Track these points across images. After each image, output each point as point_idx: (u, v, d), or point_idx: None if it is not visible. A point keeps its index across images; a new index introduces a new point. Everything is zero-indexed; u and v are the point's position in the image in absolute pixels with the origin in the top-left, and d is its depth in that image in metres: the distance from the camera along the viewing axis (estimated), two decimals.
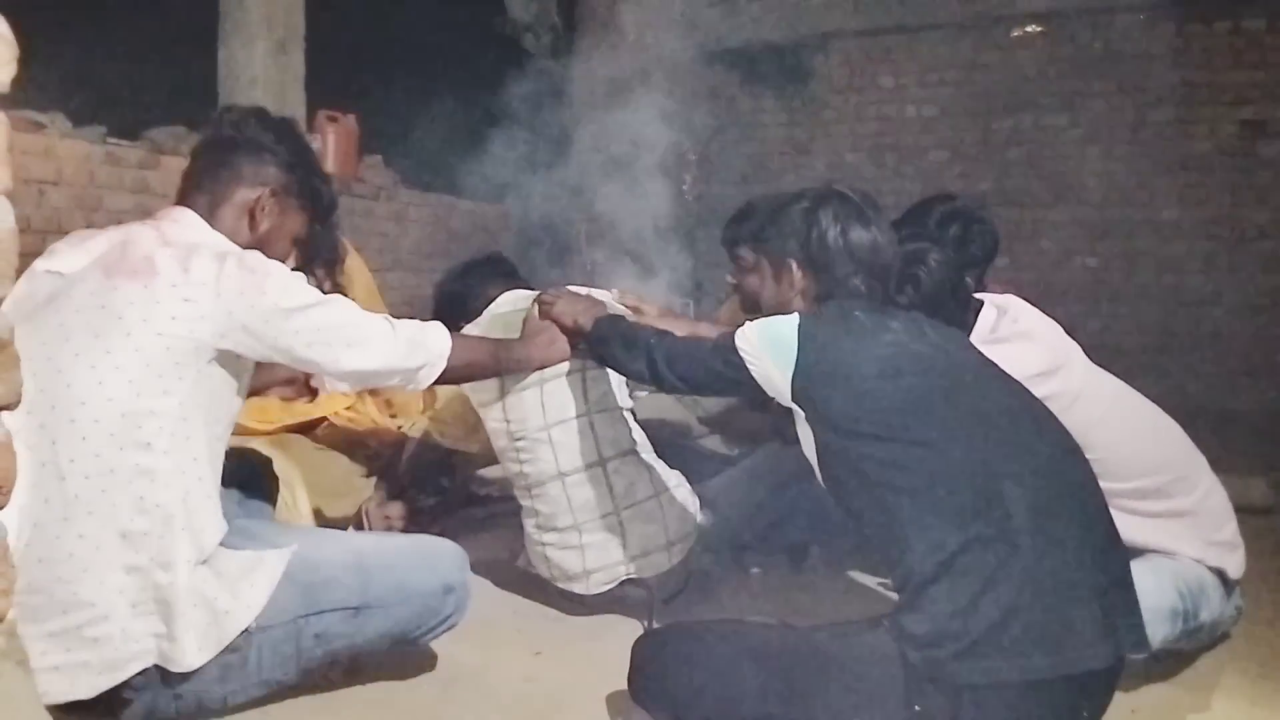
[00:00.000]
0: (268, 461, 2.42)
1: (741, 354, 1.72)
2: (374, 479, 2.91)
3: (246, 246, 1.78)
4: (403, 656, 1.92)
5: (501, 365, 2.11)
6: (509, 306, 2.34)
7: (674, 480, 2.31)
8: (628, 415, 2.31)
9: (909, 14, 7.02)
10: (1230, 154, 6.36)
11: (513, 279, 2.51)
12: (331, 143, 5.21)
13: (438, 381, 1.92)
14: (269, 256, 1.78)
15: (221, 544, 1.68)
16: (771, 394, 1.70)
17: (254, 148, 1.85)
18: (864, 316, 1.69)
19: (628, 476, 2.22)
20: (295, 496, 2.62)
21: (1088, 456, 1.74)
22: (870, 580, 2.56)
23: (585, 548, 2.21)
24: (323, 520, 2.65)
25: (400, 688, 1.86)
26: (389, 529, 2.76)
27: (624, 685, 1.69)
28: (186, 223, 1.77)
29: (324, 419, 2.94)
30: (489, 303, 2.38)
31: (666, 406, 3.15)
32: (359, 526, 2.77)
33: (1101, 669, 1.43)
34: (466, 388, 2.30)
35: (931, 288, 1.97)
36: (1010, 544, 1.43)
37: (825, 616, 2.10)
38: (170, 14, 5.31)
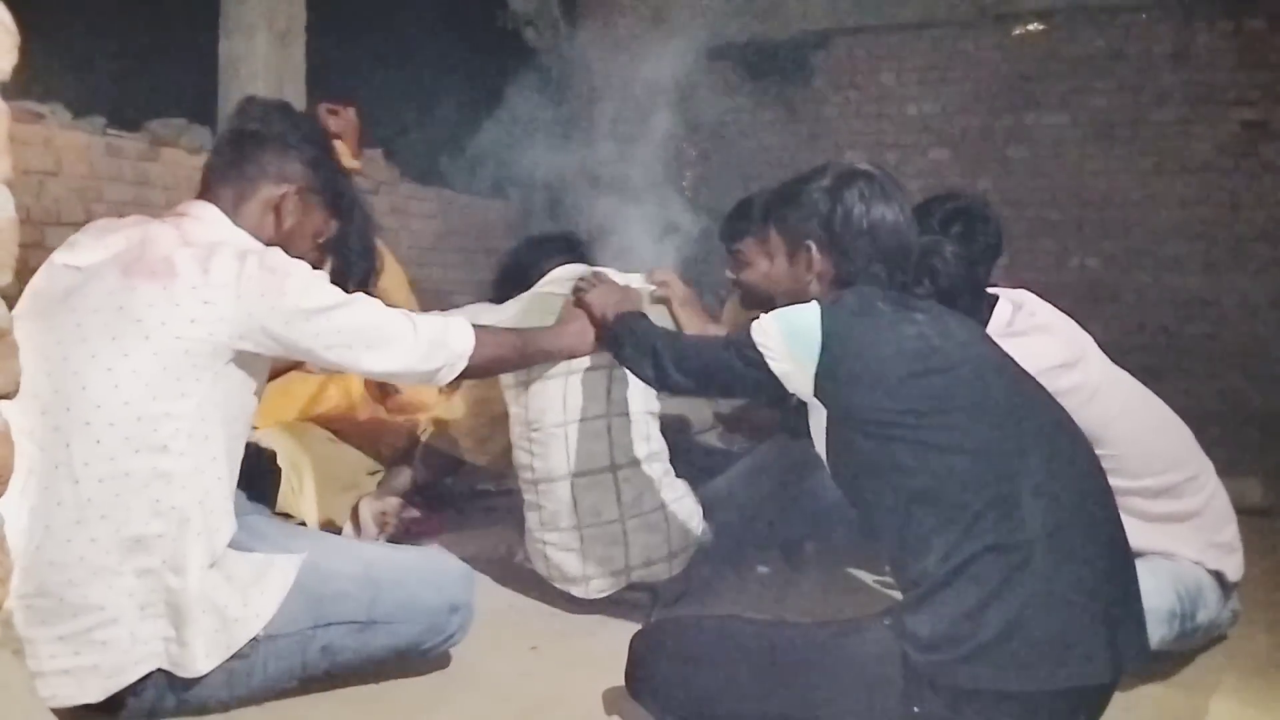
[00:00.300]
0: (272, 455, 2.42)
1: (760, 348, 1.63)
2: (378, 475, 2.92)
3: (269, 243, 1.76)
4: None
5: (527, 358, 2.09)
6: (550, 286, 2.31)
7: (680, 490, 2.28)
8: (649, 419, 2.26)
9: (910, 11, 7.02)
10: (1231, 155, 6.36)
11: (576, 257, 2.44)
12: (332, 135, 5.20)
13: (460, 377, 1.90)
14: (291, 254, 1.76)
15: (230, 544, 1.68)
16: (791, 390, 1.63)
17: (280, 143, 1.83)
18: (888, 307, 1.61)
19: (637, 486, 2.19)
20: (303, 484, 2.63)
21: (1102, 453, 1.74)
22: (866, 577, 2.56)
23: (586, 552, 2.20)
24: (325, 509, 2.66)
25: (396, 681, 1.86)
26: (383, 524, 2.76)
27: (621, 681, 1.69)
28: (208, 219, 1.75)
29: (340, 409, 2.94)
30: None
31: (669, 403, 3.15)
32: (353, 520, 2.78)
33: (1104, 682, 1.43)
34: None
35: (947, 280, 1.91)
36: (1023, 554, 1.40)
37: (821, 613, 2.10)
38: (171, 5, 5.30)
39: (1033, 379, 1.64)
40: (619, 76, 5.39)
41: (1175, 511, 1.98)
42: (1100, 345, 2.09)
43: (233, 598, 1.62)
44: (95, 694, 1.56)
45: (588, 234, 3.44)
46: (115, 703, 1.60)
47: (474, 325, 1.91)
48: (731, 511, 2.36)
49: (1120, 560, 1.51)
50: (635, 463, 2.20)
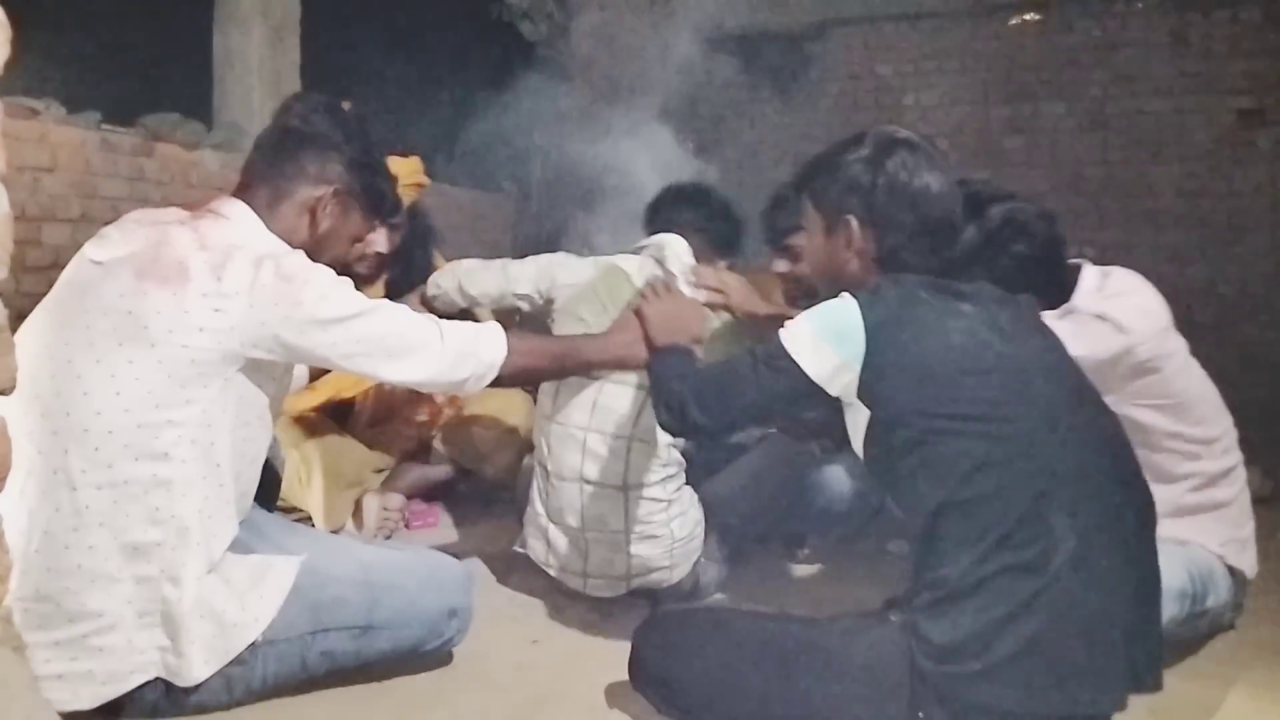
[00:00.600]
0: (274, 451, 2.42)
1: (794, 355, 1.51)
2: (384, 473, 2.92)
3: (304, 245, 1.72)
4: None
5: (566, 369, 2.01)
6: (617, 276, 2.23)
7: (687, 503, 2.23)
8: (671, 449, 2.17)
9: (906, 2, 7.00)
10: (1228, 144, 6.36)
11: (696, 230, 2.31)
12: None
13: (491, 385, 1.84)
14: (327, 257, 1.73)
15: (230, 544, 1.67)
16: (833, 393, 1.52)
17: (321, 143, 1.79)
18: (931, 296, 1.49)
19: (648, 507, 2.15)
20: (311, 477, 2.63)
21: (1183, 429, 1.78)
22: (863, 573, 2.56)
23: (589, 554, 2.18)
24: (330, 504, 2.66)
25: (397, 675, 1.86)
26: (385, 519, 2.77)
27: (621, 675, 1.69)
28: (236, 218, 1.70)
29: (354, 400, 2.94)
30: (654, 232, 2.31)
31: None
32: (355, 517, 2.78)
33: (1110, 712, 1.41)
34: None
35: (1032, 242, 1.87)
36: (1048, 577, 1.36)
37: (819, 609, 2.10)
38: (166, 0, 5.28)
39: (1084, 380, 1.55)
40: (615, 69, 5.38)
41: (1213, 500, 1.99)
42: None
43: (230, 602, 1.61)
44: (89, 700, 1.54)
45: (605, 225, 3.40)
46: (114, 704, 1.59)
47: (509, 333, 1.83)
48: (733, 508, 2.34)
49: (1146, 589, 1.46)
50: (649, 485, 2.15)
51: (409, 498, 2.92)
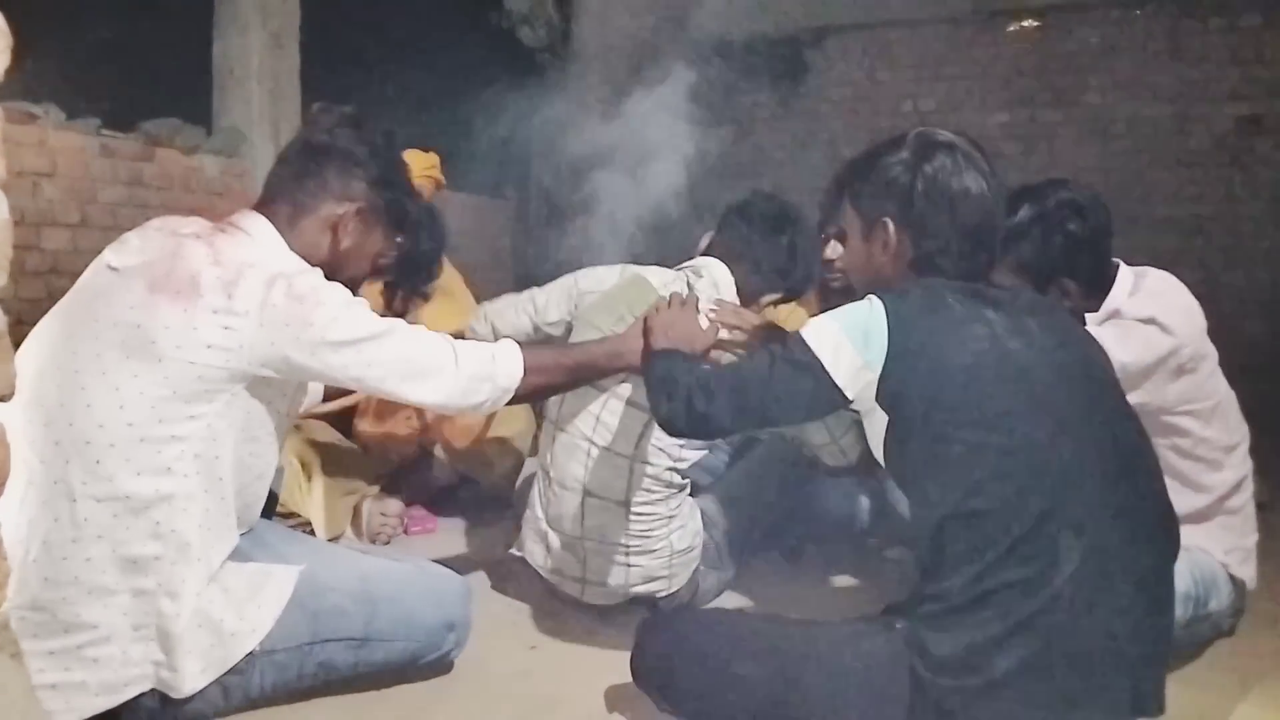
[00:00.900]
0: None
1: (816, 353, 1.48)
2: (382, 479, 2.92)
3: (323, 262, 1.71)
4: None
5: (579, 380, 1.98)
6: (641, 287, 2.20)
7: (686, 515, 2.21)
8: (674, 474, 2.14)
9: (906, 8, 7.02)
10: (1226, 150, 6.37)
11: (752, 261, 2.23)
12: None
13: (508, 404, 1.83)
14: (347, 274, 1.72)
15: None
16: (851, 395, 1.48)
17: (346, 160, 1.75)
18: (958, 302, 1.46)
19: (648, 523, 2.14)
20: (310, 482, 2.64)
21: (1210, 434, 1.78)
22: (862, 580, 2.56)
23: (588, 562, 2.17)
24: (329, 511, 2.66)
25: (395, 683, 1.85)
26: (383, 525, 2.76)
27: (620, 680, 1.69)
28: (256, 234, 1.68)
29: (355, 407, 2.94)
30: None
31: None
32: (354, 524, 2.78)
33: None
34: None
35: (1091, 230, 1.90)
36: (1052, 594, 1.33)
37: (819, 616, 2.10)
38: (165, 5, 5.28)
39: (1113, 391, 1.51)
40: (614, 75, 5.39)
41: (1224, 509, 1.99)
42: None
43: (229, 612, 1.61)
44: (82, 711, 1.53)
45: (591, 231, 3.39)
46: (111, 713, 1.58)
47: (525, 351, 1.81)
48: (732, 513, 2.34)
49: (1156, 606, 1.43)
50: (650, 502, 2.14)
51: (408, 504, 2.92)
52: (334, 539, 2.66)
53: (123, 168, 4.35)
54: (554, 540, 2.21)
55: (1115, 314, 1.94)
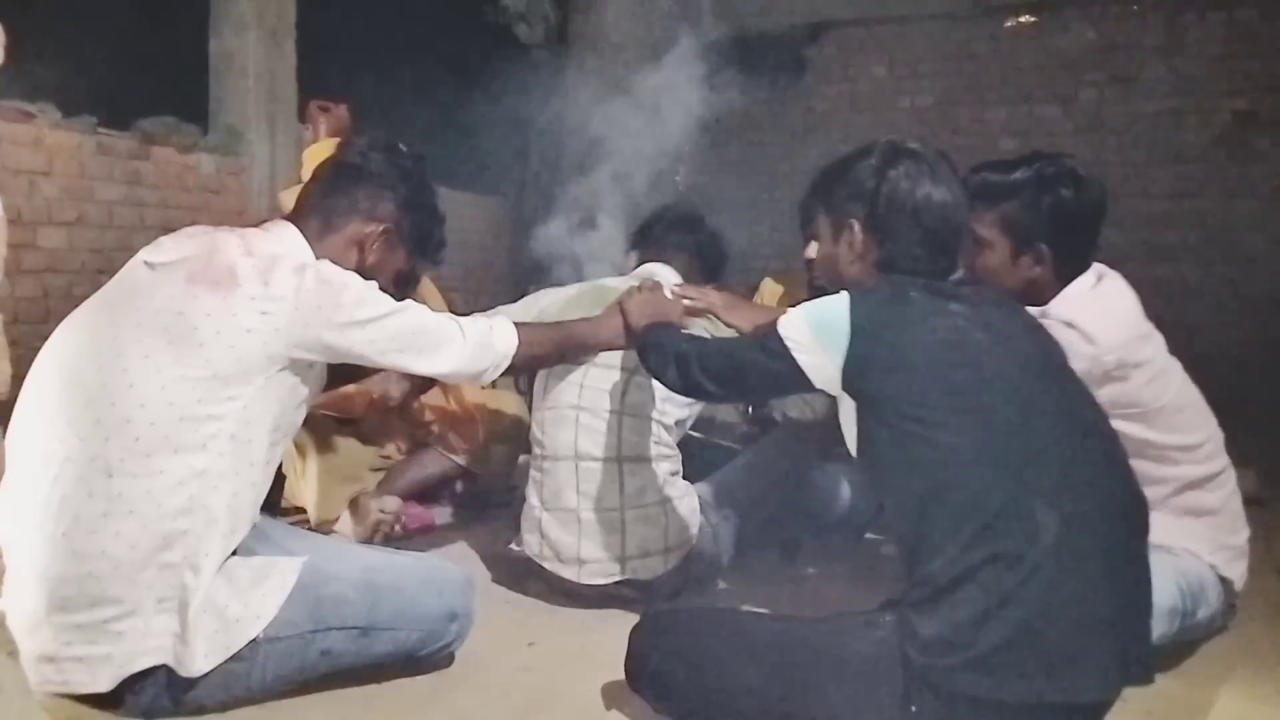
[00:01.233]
0: None
1: (786, 342, 1.60)
2: (381, 473, 2.92)
3: None
4: None
5: (566, 354, 2.18)
6: (602, 290, 2.38)
7: (682, 490, 2.29)
8: (662, 428, 2.26)
9: (902, 3, 7.02)
10: (1223, 145, 6.38)
11: (685, 255, 2.53)
12: (323, 133, 5.19)
13: (504, 374, 1.98)
14: None
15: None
16: (819, 384, 1.60)
17: (376, 183, 1.87)
18: (921, 296, 1.55)
19: (641, 479, 2.21)
20: (305, 469, 2.65)
21: (1154, 436, 1.79)
22: (861, 576, 2.56)
23: (584, 535, 2.21)
24: (324, 498, 2.68)
25: (394, 678, 1.86)
26: (381, 521, 2.76)
27: (618, 676, 1.69)
28: (286, 239, 1.79)
29: (356, 399, 2.94)
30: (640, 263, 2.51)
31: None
32: (351, 511, 2.78)
33: (1102, 701, 1.42)
34: None
35: (1080, 204, 1.92)
36: (1032, 566, 1.37)
37: (819, 609, 2.10)
38: (162, 2, 5.27)
39: (1073, 377, 1.59)
40: (610, 72, 5.38)
41: (1198, 506, 1.97)
42: None
43: (233, 599, 1.64)
44: (106, 683, 1.57)
45: (586, 228, 3.41)
46: (114, 698, 1.61)
47: (516, 324, 1.97)
48: (730, 508, 2.36)
49: (1133, 572, 1.47)
50: (641, 459, 2.23)
51: (406, 500, 2.92)
52: (328, 524, 2.68)
53: (119, 166, 4.35)
54: (549, 522, 2.25)
55: (1044, 315, 1.93)
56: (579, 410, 2.24)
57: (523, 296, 2.60)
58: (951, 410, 1.45)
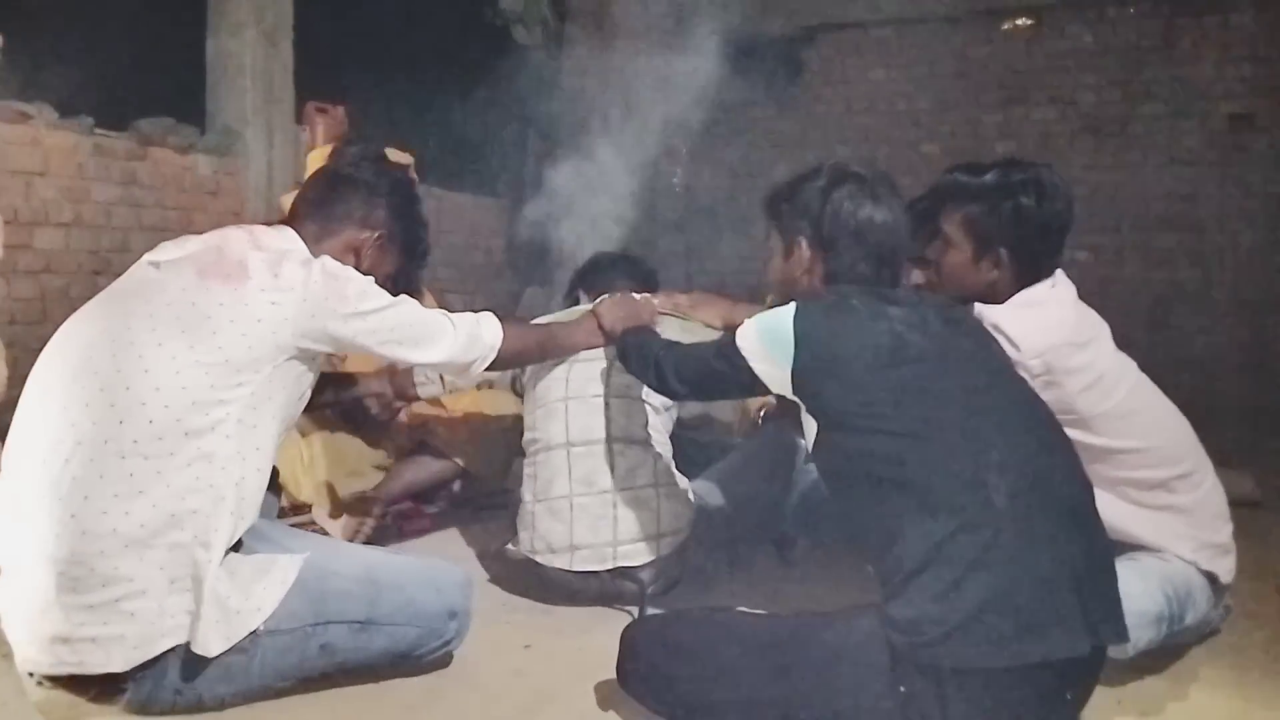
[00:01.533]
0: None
1: (743, 352, 1.72)
2: (381, 471, 2.93)
3: None
4: None
5: (547, 352, 2.32)
6: (569, 312, 2.53)
7: (674, 477, 2.32)
8: (650, 410, 2.36)
9: (899, 7, 7.03)
10: (1219, 148, 6.39)
11: (638, 281, 2.69)
12: (320, 135, 5.19)
13: (490, 367, 2.09)
14: None
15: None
16: (775, 389, 1.71)
17: (370, 191, 1.99)
18: (861, 305, 1.66)
19: (631, 461, 2.26)
20: (311, 462, 2.67)
21: (1093, 440, 1.81)
22: (857, 572, 2.56)
23: (575, 521, 2.23)
24: (330, 495, 2.72)
25: (389, 680, 1.86)
26: (362, 520, 2.74)
27: (614, 677, 1.69)
28: (289, 238, 1.89)
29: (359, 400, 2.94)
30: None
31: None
32: (332, 501, 2.79)
33: (1083, 656, 1.44)
34: None
35: (1042, 213, 1.94)
36: (991, 532, 1.44)
37: (812, 608, 2.10)
38: (159, 3, 5.27)
39: (1007, 365, 1.70)
40: (608, 74, 5.39)
41: (1169, 504, 1.97)
42: None
43: (234, 591, 1.66)
44: (121, 664, 1.59)
45: (579, 231, 3.43)
46: (113, 691, 1.63)
47: (501, 320, 2.09)
48: (723, 503, 2.37)
49: (1089, 535, 1.54)
50: (631, 440, 2.28)
51: (402, 501, 2.92)
52: (333, 516, 2.69)
53: (116, 167, 4.35)
54: (541, 514, 2.28)
55: (979, 317, 1.93)
56: (567, 400, 2.32)
57: (519, 297, 2.69)
58: (898, 402, 1.54)
